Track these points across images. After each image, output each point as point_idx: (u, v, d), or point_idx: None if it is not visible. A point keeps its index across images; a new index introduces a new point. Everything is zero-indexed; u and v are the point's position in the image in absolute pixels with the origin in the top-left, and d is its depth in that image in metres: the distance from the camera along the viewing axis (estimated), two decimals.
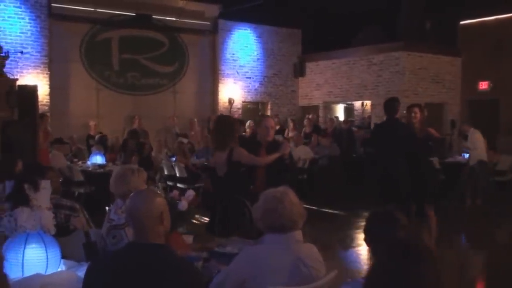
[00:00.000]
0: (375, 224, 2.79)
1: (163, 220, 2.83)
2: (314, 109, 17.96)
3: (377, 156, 7.75)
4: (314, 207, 11.23)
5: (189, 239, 4.20)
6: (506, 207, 11.64)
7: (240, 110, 17.38)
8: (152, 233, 2.79)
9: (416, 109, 7.58)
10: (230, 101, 17.14)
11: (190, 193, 4.02)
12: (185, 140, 13.46)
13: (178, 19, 16.21)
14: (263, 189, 5.71)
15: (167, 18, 16.14)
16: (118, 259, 2.78)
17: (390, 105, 7.32)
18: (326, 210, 11.26)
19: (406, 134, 7.01)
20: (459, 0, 16.09)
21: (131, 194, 2.97)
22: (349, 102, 18.19)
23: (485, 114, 16.48)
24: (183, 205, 3.88)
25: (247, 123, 14.25)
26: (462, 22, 17.22)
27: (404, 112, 8.06)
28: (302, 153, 13.22)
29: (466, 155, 12.63)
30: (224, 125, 5.75)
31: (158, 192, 3.27)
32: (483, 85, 16.65)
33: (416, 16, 16.73)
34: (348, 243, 8.75)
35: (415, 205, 7.18)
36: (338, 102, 18.35)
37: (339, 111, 18.96)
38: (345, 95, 17.48)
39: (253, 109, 18.11)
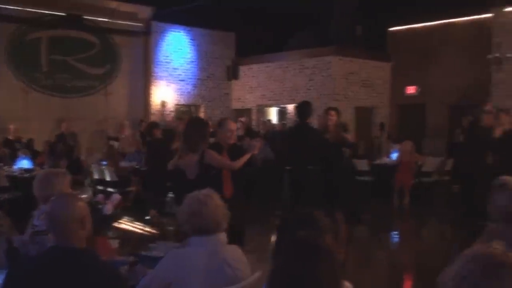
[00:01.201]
0: (291, 225, 2.81)
1: (85, 224, 2.79)
2: (247, 112, 18.05)
3: (287, 162, 7.69)
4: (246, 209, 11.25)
5: (115, 243, 4.14)
6: (432, 208, 12.05)
7: (173, 113, 17.26)
8: (74, 237, 2.75)
9: (333, 112, 7.69)
10: (163, 104, 16.99)
11: (116, 197, 3.96)
12: (115, 143, 13.24)
13: (110, 20, 15.94)
14: (231, 193, 5.73)
15: (99, 19, 15.85)
16: (39, 264, 2.73)
17: (303, 109, 7.29)
18: (257, 213, 11.31)
19: (317, 140, 7.01)
20: (389, 7, 16.55)
21: (52, 198, 2.91)
22: (282, 105, 18.38)
23: (413, 117, 17.04)
24: (108, 208, 3.82)
25: (181, 126, 14.15)
26: (391, 29, 17.74)
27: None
28: None
29: (394, 157, 13.00)
30: (197, 127, 5.59)
31: (80, 196, 3.21)
32: (411, 90, 17.20)
33: (347, 22, 17.12)
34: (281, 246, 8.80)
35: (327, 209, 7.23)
36: (271, 105, 18.51)
37: (272, 114, 19.13)
38: (278, 98, 17.65)
39: (186, 111, 18.02)
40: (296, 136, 7.09)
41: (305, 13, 17.27)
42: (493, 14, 14.80)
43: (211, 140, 6.12)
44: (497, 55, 14.44)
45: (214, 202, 3.05)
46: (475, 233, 3.59)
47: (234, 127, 5.92)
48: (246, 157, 5.61)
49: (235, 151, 5.76)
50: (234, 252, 3.08)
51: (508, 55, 14.36)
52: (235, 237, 5.74)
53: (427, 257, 8.11)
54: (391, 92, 17.65)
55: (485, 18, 15.19)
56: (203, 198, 3.04)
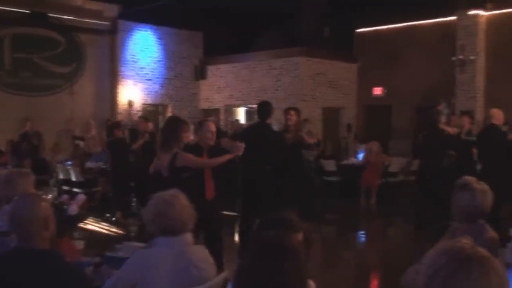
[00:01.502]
0: (265, 224, 2.82)
1: (48, 225, 2.76)
2: (215, 112, 18.01)
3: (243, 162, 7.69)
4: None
5: (80, 244, 4.09)
6: (398, 207, 12.22)
7: (140, 112, 17.11)
8: (37, 238, 2.72)
9: (292, 112, 7.73)
10: (130, 103, 16.84)
11: (81, 197, 3.91)
12: (81, 143, 13.08)
13: (75, 18, 15.71)
14: (214, 194, 5.68)
15: (64, 17, 15.60)
16: (1, 265, 2.68)
17: (262, 109, 7.31)
18: (226, 213, 11.28)
19: (275, 140, 7.03)
20: (355, 8, 16.70)
21: (14, 199, 2.87)
22: (250, 106, 18.38)
23: (379, 118, 17.22)
24: (73, 209, 3.77)
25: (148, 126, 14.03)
26: (358, 30, 17.90)
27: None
28: None
29: (361, 157, 13.14)
30: (171, 126, 5.52)
31: (44, 196, 3.16)
32: (377, 91, 17.38)
33: (314, 22, 17.22)
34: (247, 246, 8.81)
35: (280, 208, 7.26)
36: (239, 106, 18.50)
37: (240, 114, 19.12)
38: (245, 98, 17.66)
39: (153, 111, 17.89)
40: (254, 135, 7.10)
41: (273, 14, 17.29)
42: (457, 17, 15.06)
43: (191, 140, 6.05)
44: (461, 57, 14.70)
45: (181, 202, 3.03)
46: (438, 233, 3.65)
47: (214, 128, 5.86)
48: (226, 157, 5.57)
49: (216, 152, 5.71)
50: (200, 253, 3.08)
51: (472, 57, 14.63)
52: (214, 238, 5.76)
53: (393, 256, 8.21)
54: (358, 93, 17.82)
55: (449, 20, 15.44)
56: (170, 198, 3.03)
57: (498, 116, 8.40)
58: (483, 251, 1.57)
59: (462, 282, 1.49)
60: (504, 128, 8.92)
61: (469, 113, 10.34)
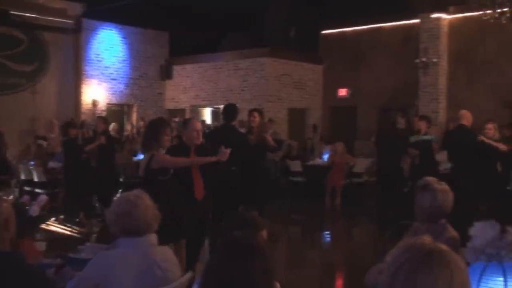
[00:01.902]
0: (232, 224, 2.83)
1: (9, 226, 2.70)
2: (181, 112, 17.92)
3: None
4: None
5: (42, 245, 4.02)
6: (362, 208, 12.35)
7: (105, 112, 16.92)
8: None
9: (255, 114, 7.78)
10: (94, 103, 16.63)
11: (43, 198, 3.85)
12: (44, 143, 12.86)
13: (38, 16, 15.44)
14: (202, 195, 5.62)
15: (27, 15, 15.31)
16: None
17: (228, 110, 7.35)
18: None
19: (240, 143, 7.06)
20: (321, 10, 16.83)
21: None
22: (216, 106, 18.35)
23: (344, 119, 17.38)
24: (34, 210, 3.70)
25: (111, 126, 13.88)
26: (323, 32, 18.03)
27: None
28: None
29: (326, 158, 13.24)
30: (151, 128, 5.46)
31: (5, 197, 3.10)
32: (342, 92, 17.53)
33: (280, 24, 17.28)
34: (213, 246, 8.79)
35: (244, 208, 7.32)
36: (205, 106, 18.45)
37: (206, 115, 19.07)
38: (211, 99, 17.63)
39: (118, 111, 17.71)
40: (220, 137, 7.12)
41: (239, 14, 17.31)
42: (420, 20, 15.29)
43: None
44: (424, 59, 14.94)
45: (145, 202, 3.00)
46: (400, 232, 3.70)
47: (200, 127, 5.81)
48: (209, 159, 5.55)
49: (205, 151, 5.68)
50: (165, 254, 3.05)
51: (434, 60, 14.88)
52: (199, 239, 5.74)
53: (357, 256, 8.29)
54: (324, 94, 17.94)
55: (413, 23, 15.68)
56: (133, 198, 2.99)
57: (467, 117, 8.56)
58: (443, 246, 1.61)
59: (424, 276, 1.53)
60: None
61: (426, 118, 10.54)
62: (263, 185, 8.03)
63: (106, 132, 10.82)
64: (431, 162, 9.78)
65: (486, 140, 8.28)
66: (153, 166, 5.16)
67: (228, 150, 5.65)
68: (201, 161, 5.55)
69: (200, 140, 5.73)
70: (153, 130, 5.35)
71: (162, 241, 4.72)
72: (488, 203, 8.40)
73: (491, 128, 8.40)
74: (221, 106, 17.69)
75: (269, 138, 7.80)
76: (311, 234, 10.27)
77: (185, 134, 5.82)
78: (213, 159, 5.56)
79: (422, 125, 10.16)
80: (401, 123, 10.45)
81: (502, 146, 8.41)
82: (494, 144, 8.33)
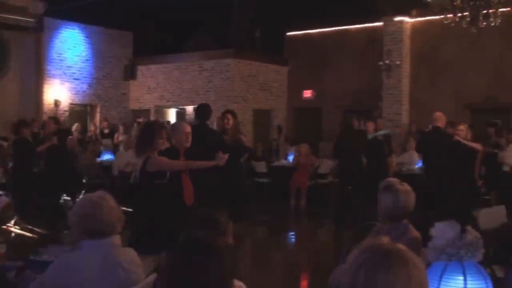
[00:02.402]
0: (192, 225, 2.82)
1: None
2: (145, 112, 17.77)
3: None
4: None
5: (2, 247, 3.93)
6: (327, 208, 12.43)
7: (67, 113, 16.67)
8: None
9: (229, 115, 7.81)
10: (56, 103, 16.37)
11: (3, 199, 3.77)
12: (4, 143, 12.58)
13: None
14: (192, 199, 5.52)
15: None
16: None
17: (202, 110, 7.35)
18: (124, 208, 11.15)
19: (216, 142, 7.08)
20: (286, 12, 16.89)
21: None
22: (181, 107, 18.27)
23: (309, 121, 17.49)
24: None
25: (74, 126, 13.69)
26: (288, 33, 18.11)
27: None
28: (132, 157, 12.99)
29: (291, 159, 13.30)
30: (145, 131, 5.33)
31: None
32: (307, 94, 17.64)
33: (245, 25, 17.28)
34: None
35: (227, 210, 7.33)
36: (170, 107, 18.34)
37: (171, 116, 18.96)
38: (176, 99, 17.54)
39: (81, 111, 17.47)
40: (196, 136, 7.10)
41: (204, 15, 17.26)
42: (384, 23, 15.51)
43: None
44: (387, 62, 15.14)
45: (108, 204, 2.96)
46: (364, 232, 3.74)
47: (189, 129, 5.66)
48: (206, 163, 5.50)
49: (193, 155, 5.57)
50: (129, 255, 3.02)
51: (397, 62, 15.10)
52: None
53: (322, 257, 8.35)
54: (289, 95, 18.03)
55: (376, 26, 15.88)
56: (96, 199, 2.96)
57: (442, 119, 8.71)
58: (401, 246, 1.64)
59: (383, 276, 1.55)
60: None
61: (374, 120, 10.80)
62: (241, 185, 8.06)
63: (58, 132, 10.60)
64: (382, 164, 10.00)
65: (462, 140, 8.47)
66: (149, 169, 5.02)
67: (226, 156, 5.61)
68: (199, 165, 5.45)
69: (189, 143, 5.61)
70: (148, 133, 5.22)
71: (152, 250, 4.69)
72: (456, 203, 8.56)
73: (463, 129, 8.59)
74: (186, 107, 17.76)
75: (244, 138, 7.85)
76: (276, 235, 10.31)
77: (174, 137, 5.69)
78: (211, 163, 5.51)
79: (370, 126, 10.41)
80: (356, 125, 10.57)
81: (477, 146, 8.64)
82: (470, 144, 8.53)
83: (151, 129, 5.27)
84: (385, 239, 1.67)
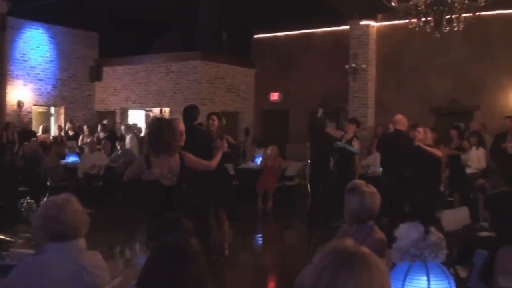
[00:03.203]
0: (160, 229, 2.81)
1: None
2: (111, 114, 17.59)
3: None
4: (109, 215, 11.01)
5: None
6: (294, 210, 12.49)
7: (31, 114, 16.38)
8: None
9: (214, 117, 7.84)
10: (20, 104, 16.06)
11: None
12: None
13: None
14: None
15: None
16: None
17: (190, 112, 7.38)
18: (122, 218, 11.06)
19: (205, 143, 7.08)
20: (253, 14, 16.93)
21: None
22: (148, 108, 18.14)
23: (277, 123, 17.55)
24: None
25: (40, 128, 13.49)
26: (255, 36, 18.16)
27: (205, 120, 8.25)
28: (97, 159, 12.87)
29: (259, 161, 13.31)
30: (169, 129, 5.19)
31: None
32: (274, 96, 17.70)
33: (212, 27, 17.26)
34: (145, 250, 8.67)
35: (213, 209, 7.36)
36: (136, 108, 18.18)
37: (137, 117, 18.80)
38: (143, 101, 17.40)
39: (44, 113, 17.19)
40: (187, 138, 7.12)
41: (171, 17, 17.17)
42: (350, 27, 15.67)
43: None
44: (353, 65, 15.31)
45: (73, 206, 2.92)
46: (330, 234, 3.77)
47: (183, 127, 5.57)
48: (219, 155, 5.68)
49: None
50: (94, 259, 2.98)
51: (363, 65, 15.27)
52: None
53: (289, 258, 8.38)
54: (256, 97, 18.06)
55: (342, 30, 16.03)
56: (61, 202, 2.91)
57: (403, 121, 8.80)
58: (364, 249, 1.67)
59: (346, 277, 1.58)
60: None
61: (355, 121, 10.86)
62: (231, 185, 8.09)
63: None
64: (349, 167, 10.13)
65: (422, 145, 8.59)
66: (187, 165, 5.14)
67: (225, 143, 5.89)
68: (218, 160, 5.69)
69: (183, 141, 5.51)
70: (175, 131, 5.20)
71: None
72: (416, 205, 8.69)
73: (420, 131, 8.71)
74: (153, 109, 17.64)
75: (230, 139, 7.86)
76: (243, 237, 10.29)
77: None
78: (220, 151, 5.74)
79: (350, 129, 10.47)
80: (329, 127, 10.67)
81: (437, 152, 8.76)
82: (430, 149, 8.65)
83: (175, 127, 5.27)
84: (349, 242, 1.69)
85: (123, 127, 15.22)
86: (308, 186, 10.81)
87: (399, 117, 8.86)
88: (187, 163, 5.12)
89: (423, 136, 8.67)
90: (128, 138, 14.53)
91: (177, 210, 4.96)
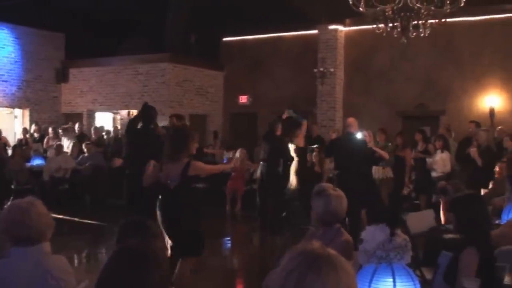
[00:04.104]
0: (126, 232, 2.79)
1: None
2: (78, 116, 17.36)
3: (130, 165, 7.59)
4: (75, 218, 10.88)
5: None
6: None
7: None
8: None
9: (174, 118, 7.84)
10: None
11: None
12: None
13: None
14: None
15: None
16: None
17: (146, 114, 7.32)
18: (88, 221, 10.93)
19: (158, 144, 7.09)
20: (222, 17, 16.90)
21: None
22: (115, 111, 17.96)
23: (245, 126, 17.55)
24: None
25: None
26: (224, 39, 18.14)
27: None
28: (63, 162, 12.70)
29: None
30: (179, 136, 5.48)
31: None
32: (243, 99, 17.71)
33: (181, 29, 17.18)
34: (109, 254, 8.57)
35: None
36: (103, 110, 17.98)
37: (105, 120, 18.60)
38: (110, 103, 17.21)
39: (9, 115, 16.88)
40: (139, 139, 7.08)
41: (139, 18, 17.02)
42: (318, 31, 15.78)
43: None
44: (322, 69, 15.41)
45: (37, 210, 2.88)
46: (298, 237, 3.79)
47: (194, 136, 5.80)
48: (224, 167, 6.33)
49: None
50: (59, 263, 2.94)
51: (332, 69, 15.39)
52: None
53: (257, 260, 8.39)
54: (224, 100, 18.04)
55: (311, 34, 16.13)
56: (25, 206, 2.87)
57: (355, 125, 8.92)
58: (331, 250, 1.70)
59: (313, 279, 1.60)
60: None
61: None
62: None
63: None
64: (306, 170, 10.31)
65: (375, 149, 8.82)
66: (190, 173, 5.30)
67: (238, 161, 6.12)
68: (223, 168, 6.23)
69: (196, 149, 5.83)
70: (182, 139, 5.42)
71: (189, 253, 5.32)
72: (378, 207, 8.82)
73: (366, 135, 8.93)
74: (120, 111, 17.46)
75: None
76: (212, 240, 10.25)
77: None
78: (227, 166, 6.51)
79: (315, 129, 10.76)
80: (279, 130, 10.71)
81: (385, 154, 9.09)
82: (379, 151, 8.93)
83: (186, 135, 5.51)
84: (316, 244, 1.71)
85: (60, 130, 14.94)
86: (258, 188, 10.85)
87: (350, 120, 9.02)
88: (191, 171, 5.34)
89: (369, 139, 8.94)
90: (65, 141, 14.30)
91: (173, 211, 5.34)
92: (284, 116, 10.85)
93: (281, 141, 10.26)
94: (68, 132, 14.73)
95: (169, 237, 5.37)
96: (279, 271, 1.66)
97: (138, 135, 7.52)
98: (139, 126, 7.61)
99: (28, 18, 16.00)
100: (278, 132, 10.31)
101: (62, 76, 17.68)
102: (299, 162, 10.42)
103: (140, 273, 1.84)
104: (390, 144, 11.20)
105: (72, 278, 2.94)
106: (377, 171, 10.52)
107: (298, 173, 10.39)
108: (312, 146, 10.85)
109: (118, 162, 8.05)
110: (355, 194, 8.22)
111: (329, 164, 11.40)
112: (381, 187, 10.34)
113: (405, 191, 10.85)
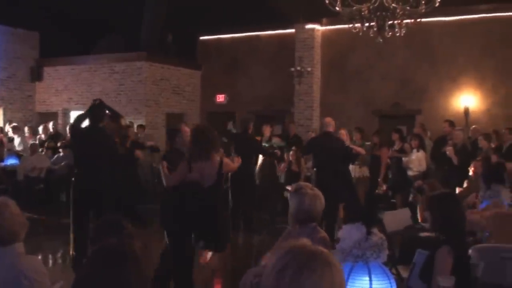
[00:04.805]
0: (101, 231, 2.76)
1: None
2: (53, 115, 17.15)
3: (80, 163, 7.45)
4: (50, 218, 10.76)
5: None
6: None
7: None
8: None
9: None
10: None
11: None
12: None
13: None
14: None
15: None
16: None
17: (95, 112, 7.21)
18: (64, 221, 10.79)
19: (110, 144, 7.08)
20: (198, 16, 16.85)
21: None
22: None
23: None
24: None
25: None
26: (201, 38, 18.09)
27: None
28: (38, 161, 12.54)
29: None
30: (207, 135, 5.45)
31: None
32: (220, 98, 17.68)
33: (157, 28, 17.07)
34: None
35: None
36: (78, 109, 17.73)
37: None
38: (85, 102, 16.97)
39: None
40: (89, 139, 7.02)
41: (115, 17, 16.87)
42: (295, 30, 15.81)
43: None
44: (299, 68, 15.44)
45: (11, 210, 2.83)
46: (274, 235, 3.79)
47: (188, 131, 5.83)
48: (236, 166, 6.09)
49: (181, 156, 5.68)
50: (33, 263, 2.90)
51: (309, 68, 15.43)
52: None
53: (234, 259, 8.37)
54: (202, 99, 17.99)
55: (288, 33, 16.17)
56: None
57: (332, 124, 8.96)
58: (322, 248, 1.69)
59: (308, 277, 1.59)
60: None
61: (269, 123, 11.32)
62: (132, 189, 8.08)
63: None
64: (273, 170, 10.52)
65: (352, 146, 8.93)
66: (224, 171, 5.51)
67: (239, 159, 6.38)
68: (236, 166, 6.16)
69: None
70: (210, 137, 5.45)
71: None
72: (355, 205, 8.89)
73: (343, 134, 8.98)
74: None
75: (151, 143, 7.90)
76: None
77: (179, 139, 5.88)
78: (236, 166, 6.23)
79: (266, 130, 11.04)
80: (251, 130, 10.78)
81: (361, 150, 9.47)
82: (356, 148, 9.07)
83: (210, 133, 5.51)
84: (306, 241, 1.70)
85: (10, 128, 14.74)
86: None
87: (328, 119, 9.07)
88: (224, 168, 5.53)
89: (346, 138, 9.03)
90: (16, 139, 14.12)
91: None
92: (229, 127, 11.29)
93: (253, 139, 10.33)
94: (18, 130, 14.48)
95: (199, 236, 5.55)
96: (268, 271, 1.64)
97: (87, 134, 7.33)
98: (85, 125, 7.37)
99: (2, 16, 15.75)
100: (250, 131, 10.37)
101: (36, 75, 17.44)
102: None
103: (118, 272, 1.83)
104: (368, 143, 11.28)
105: (46, 279, 2.90)
106: (353, 170, 10.60)
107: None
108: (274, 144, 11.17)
109: None
110: (332, 191, 8.30)
111: (306, 163, 11.45)
112: (358, 186, 10.40)
113: (379, 190, 10.92)
